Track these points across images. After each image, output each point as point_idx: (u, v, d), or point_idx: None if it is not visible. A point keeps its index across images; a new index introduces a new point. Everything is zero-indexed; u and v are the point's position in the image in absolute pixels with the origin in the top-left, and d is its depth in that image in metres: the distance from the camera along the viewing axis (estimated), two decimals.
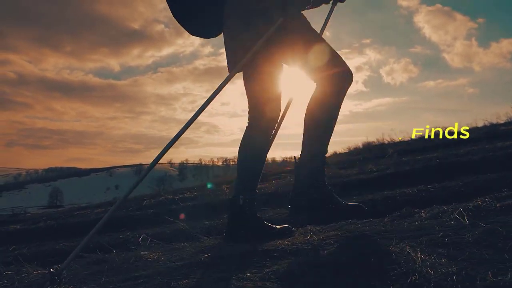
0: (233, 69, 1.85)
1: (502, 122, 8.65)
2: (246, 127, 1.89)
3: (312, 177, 1.69)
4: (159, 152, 1.69)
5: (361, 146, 9.02)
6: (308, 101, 1.81)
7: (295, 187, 1.74)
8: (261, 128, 1.84)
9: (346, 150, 9.25)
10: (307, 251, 1.20)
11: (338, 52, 1.80)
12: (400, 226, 1.35)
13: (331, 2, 2.10)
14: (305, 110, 1.80)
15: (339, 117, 1.80)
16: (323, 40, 1.81)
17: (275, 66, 1.85)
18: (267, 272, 1.02)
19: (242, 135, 1.89)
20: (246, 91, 1.91)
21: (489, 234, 1.07)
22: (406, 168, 3.99)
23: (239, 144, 1.87)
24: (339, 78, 1.74)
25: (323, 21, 2.17)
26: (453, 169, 3.58)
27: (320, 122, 1.76)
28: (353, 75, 1.78)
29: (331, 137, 1.79)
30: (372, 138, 9.23)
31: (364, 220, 1.56)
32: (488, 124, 8.62)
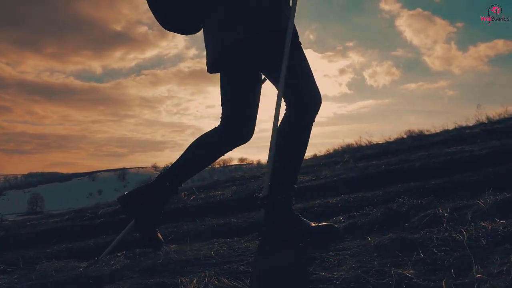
0: (210, 69, 1.73)
1: (471, 124, 8.82)
2: (216, 130, 1.76)
3: (281, 207, 1.61)
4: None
5: (338, 148, 9.05)
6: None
7: (266, 218, 1.62)
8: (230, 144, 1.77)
9: (323, 153, 9.26)
10: (111, 278, 1.17)
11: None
12: (232, 249, 1.32)
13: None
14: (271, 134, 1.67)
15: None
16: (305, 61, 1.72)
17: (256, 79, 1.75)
18: None
19: (208, 132, 1.77)
20: (226, 94, 1.76)
21: (292, 260, 1.03)
22: (352, 175, 4.00)
23: (198, 138, 1.76)
24: (309, 102, 1.66)
25: None
26: (393, 176, 3.59)
27: (290, 149, 1.65)
28: (321, 100, 1.69)
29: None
30: (352, 140, 9.26)
31: (228, 239, 1.53)
32: (458, 127, 8.79)
